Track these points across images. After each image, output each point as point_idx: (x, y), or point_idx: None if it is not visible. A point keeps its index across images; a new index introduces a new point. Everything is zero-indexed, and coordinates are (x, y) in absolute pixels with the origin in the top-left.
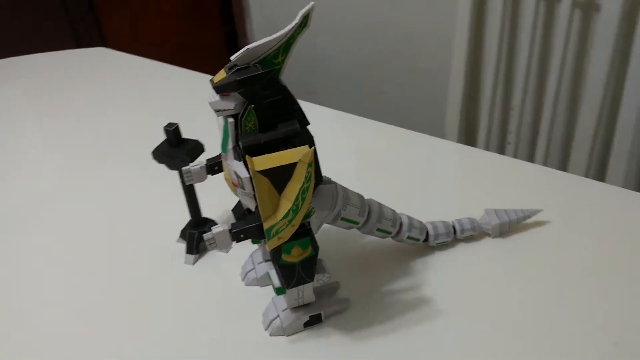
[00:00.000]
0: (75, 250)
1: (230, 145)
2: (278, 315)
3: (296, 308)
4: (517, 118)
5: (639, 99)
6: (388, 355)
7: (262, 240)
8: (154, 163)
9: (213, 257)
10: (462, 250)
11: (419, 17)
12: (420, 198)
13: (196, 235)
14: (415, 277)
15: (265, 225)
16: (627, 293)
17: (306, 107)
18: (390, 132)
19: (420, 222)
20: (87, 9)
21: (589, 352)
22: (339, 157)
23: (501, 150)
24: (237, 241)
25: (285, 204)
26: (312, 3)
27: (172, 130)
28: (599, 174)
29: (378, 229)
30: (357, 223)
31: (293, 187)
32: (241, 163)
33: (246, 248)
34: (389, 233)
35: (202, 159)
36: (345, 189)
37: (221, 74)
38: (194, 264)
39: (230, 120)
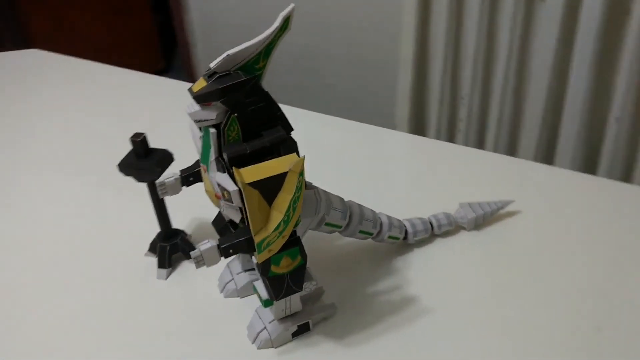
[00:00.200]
0: (35, 272)
1: (212, 156)
2: (265, 327)
3: (284, 318)
4: (467, 106)
5: (584, 83)
6: (383, 358)
7: None
8: (110, 171)
9: (186, 269)
10: (439, 246)
11: (364, 8)
12: (376, 192)
13: (168, 248)
14: (398, 276)
15: (257, 239)
16: (606, 277)
17: None
18: (340, 125)
19: (399, 221)
20: (7, 8)
21: (573, 337)
22: None
23: (452, 138)
24: (226, 257)
25: (277, 216)
26: (292, 5)
27: (140, 141)
28: (548, 157)
29: (360, 231)
30: (340, 227)
31: (284, 198)
32: (226, 175)
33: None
34: (371, 234)
35: (174, 170)
36: (327, 193)
37: (200, 83)
38: (167, 278)
39: (212, 130)
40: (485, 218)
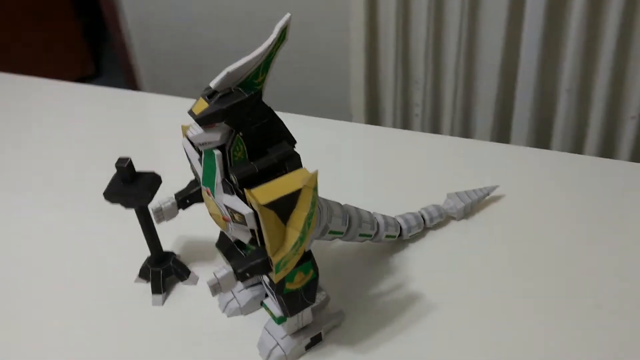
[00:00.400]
0: (26, 310)
1: (218, 179)
2: (277, 344)
3: (296, 332)
4: (421, 90)
5: (535, 59)
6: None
7: None
8: (76, 196)
9: (181, 291)
10: (432, 239)
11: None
12: (348, 189)
13: (162, 272)
14: (397, 274)
15: (275, 259)
16: (599, 253)
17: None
18: (296, 121)
19: (393, 219)
20: None
21: (575, 315)
22: None
23: (409, 123)
24: (242, 281)
25: (293, 234)
26: (288, 14)
27: (126, 167)
28: (504, 135)
29: (360, 234)
30: (341, 233)
31: (299, 215)
32: (235, 197)
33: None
34: (369, 236)
35: (161, 194)
36: (326, 201)
37: (201, 104)
38: (163, 303)
39: (217, 152)
40: (472, 206)
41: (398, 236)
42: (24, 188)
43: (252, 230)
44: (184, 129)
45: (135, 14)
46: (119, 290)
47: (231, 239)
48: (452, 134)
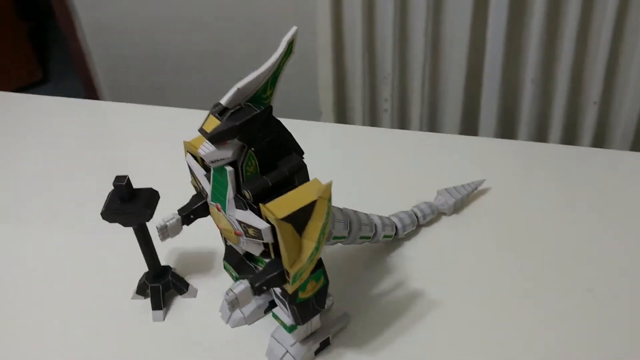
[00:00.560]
0: (26, 333)
1: (230, 195)
2: (287, 351)
3: (305, 338)
4: (389, 86)
5: (499, 55)
6: (409, 358)
7: None
8: (58, 214)
9: (180, 306)
10: (426, 235)
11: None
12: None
13: (161, 288)
14: (396, 273)
15: (292, 271)
16: (588, 239)
17: (159, 112)
18: None
19: (388, 218)
20: None
21: (567, 299)
22: None
23: (379, 118)
24: (260, 294)
25: (309, 245)
26: (294, 28)
27: (125, 185)
28: (472, 128)
29: (360, 237)
30: (344, 237)
31: (315, 226)
32: (249, 212)
33: (212, 288)
34: (368, 238)
35: (162, 209)
36: None
37: (212, 121)
38: (164, 319)
39: (230, 169)
40: (462, 201)
41: (394, 235)
42: None
43: (264, 244)
44: (187, 146)
45: (91, 17)
46: (117, 310)
47: (240, 252)
48: (421, 127)
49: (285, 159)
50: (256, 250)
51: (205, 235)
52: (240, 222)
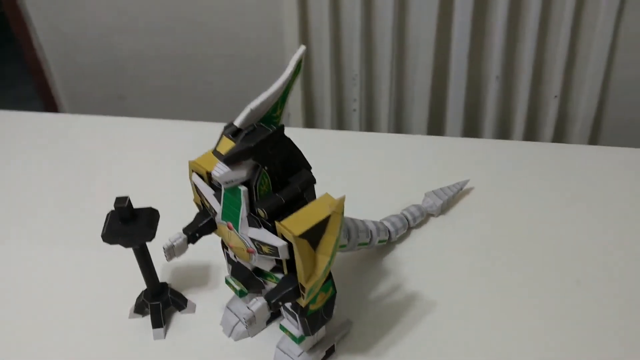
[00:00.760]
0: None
1: (244, 213)
2: None
3: (312, 347)
4: (358, 86)
5: (464, 54)
6: (413, 359)
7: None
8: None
9: (180, 322)
10: (416, 237)
11: (234, 2)
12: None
13: (161, 305)
14: (391, 276)
15: (308, 286)
16: (573, 233)
17: (123, 123)
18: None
19: (381, 223)
20: None
21: (556, 289)
22: (175, 177)
23: (348, 119)
24: (275, 310)
25: (323, 259)
26: (303, 47)
27: (127, 207)
28: (439, 127)
29: (358, 244)
30: (345, 246)
31: (329, 240)
32: (263, 230)
33: (210, 302)
34: (366, 244)
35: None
36: None
37: (226, 142)
38: (165, 336)
39: (244, 189)
40: (449, 202)
41: (387, 240)
42: None
43: (276, 260)
44: (192, 165)
45: (47, 24)
46: (115, 331)
47: (249, 267)
48: (389, 127)
49: (295, 175)
50: (268, 266)
51: (197, 249)
52: (253, 240)
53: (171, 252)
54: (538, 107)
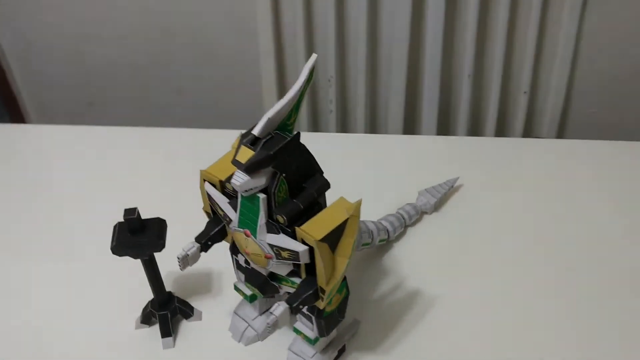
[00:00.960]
0: None
1: (262, 220)
2: None
3: (325, 348)
4: (334, 87)
5: (438, 54)
6: (420, 352)
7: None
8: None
9: (187, 330)
10: (412, 236)
11: (207, 5)
12: None
13: (169, 315)
14: (392, 274)
15: (328, 288)
16: (564, 223)
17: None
18: (200, 137)
19: (380, 223)
20: None
21: (548, 276)
22: (152, 184)
23: (324, 119)
24: (296, 313)
25: (342, 261)
26: (315, 55)
27: (136, 218)
28: (414, 126)
29: (362, 245)
30: (367, 244)
31: (347, 243)
32: (282, 236)
33: (215, 309)
34: (368, 244)
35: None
36: None
37: (245, 152)
38: (175, 345)
39: (263, 196)
40: (441, 199)
41: (387, 239)
42: None
43: (294, 264)
44: (204, 175)
45: (10, 33)
46: (123, 342)
47: (264, 273)
48: (365, 126)
49: (310, 180)
50: (284, 270)
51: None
52: (272, 246)
53: (185, 261)
54: (508, 103)
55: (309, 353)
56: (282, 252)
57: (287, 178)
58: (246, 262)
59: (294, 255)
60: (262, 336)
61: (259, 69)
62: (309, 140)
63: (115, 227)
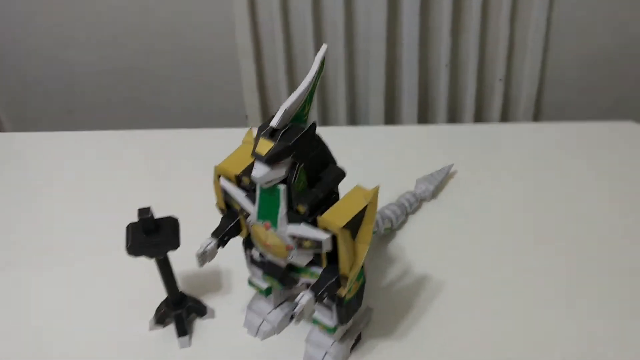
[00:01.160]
0: None
1: (283, 211)
2: (327, 352)
3: (342, 337)
4: None
5: (416, 46)
6: (433, 336)
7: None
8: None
9: (201, 328)
10: (413, 223)
11: (184, 6)
12: None
13: (184, 314)
14: (398, 261)
15: (351, 275)
16: (558, 206)
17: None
18: (184, 137)
19: (383, 212)
20: None
21: (545, 256)
22: (137, 185)
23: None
24: (321, 302)
25: (363, 248)
26: (325, 46)
27: (150, 217)
28: (394, 118)
29: None
30: (374, 232)
31: (367, 229)
32: (303, 226)
33: (228, 306)
34: (375, 233)
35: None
36: None
37: (265, 143)
38: (191, 344)
39: (283, 187)
40: (439, 187)
41: (390, 227)
42: None
43: (314, 254)
44: (219, 170)
45: None
46: (137, 343)
47: (283, 265)
48: (346, 121)
49: (326, 170)
50: (304, 260)
51: None
52: (293, 237)
53: (204, 257)
54: (485, 90)
55: (327, 343)
56: (304, 242)
57: (305, 168)
58: (261, 255)
59: (317, 244)
60: (278, 329)
61: (239, 69)
62: None
63: (128, 227)
